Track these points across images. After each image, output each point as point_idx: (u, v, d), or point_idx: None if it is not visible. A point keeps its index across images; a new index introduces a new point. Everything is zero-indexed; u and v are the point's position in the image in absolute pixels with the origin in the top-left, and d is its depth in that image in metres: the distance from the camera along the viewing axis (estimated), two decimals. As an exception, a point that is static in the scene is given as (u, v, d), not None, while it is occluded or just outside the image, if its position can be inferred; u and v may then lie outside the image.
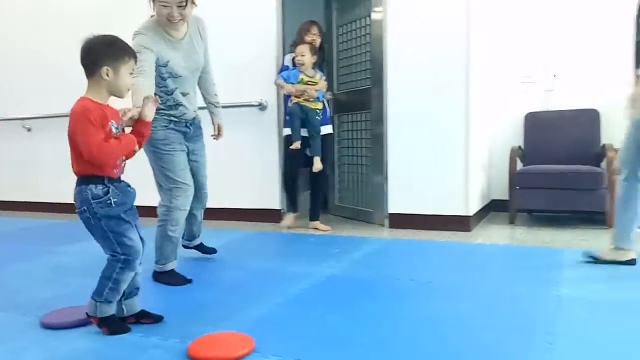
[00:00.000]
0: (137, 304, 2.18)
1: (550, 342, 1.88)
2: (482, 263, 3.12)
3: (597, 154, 4.45)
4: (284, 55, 4.54)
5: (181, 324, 2.15)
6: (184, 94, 2.83)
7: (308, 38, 4.31)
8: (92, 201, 1.99)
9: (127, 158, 2.11)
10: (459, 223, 4.12)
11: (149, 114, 2.14)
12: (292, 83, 4.19)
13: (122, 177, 2.12)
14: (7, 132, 6.19)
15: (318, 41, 4.36)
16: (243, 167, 4.78)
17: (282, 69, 4.35)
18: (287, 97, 4.34)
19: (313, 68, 4.26)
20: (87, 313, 2.08)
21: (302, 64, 4.20)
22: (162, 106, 2.73)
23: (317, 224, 4.44)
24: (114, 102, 2.07)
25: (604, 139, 4.46)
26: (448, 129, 4.09)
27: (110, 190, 2.01)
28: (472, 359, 1.80)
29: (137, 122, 2.13)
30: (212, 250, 3.35)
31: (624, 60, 4.46)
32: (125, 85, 2.04)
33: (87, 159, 1.95)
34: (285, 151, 4.39)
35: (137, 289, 2.17)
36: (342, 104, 4.99)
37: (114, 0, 5.25)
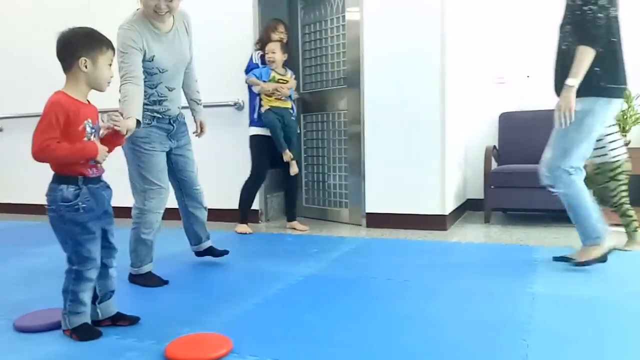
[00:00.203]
0: (112, 306, 2.14)
1: (525, 339, 1.91)
2: (458, 261, 3.15)
3: (570, 153, 4.52)
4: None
5: (158, 326, 2.13)
6: (169, 89, 2.79)
7: (275, 36, 4.29)
8: (60, 203, 1.95)
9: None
10: (435, 222, 4.16)
11: (132, 127, 2.14)
12: (265, 81, 4.18)
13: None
14: (-23, 133, 6.08)
15: (285, 39, 4.35)
16: (220, 167, 4.75)
17: (251, 66, 4.29)
18: (254, 94, 4.30)
19: (283, 66, 4.26)
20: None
21: (273, 62, 4.20)
22: (145, 101, 2.70)
23: (295, 224, 4.44)
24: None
25: (577, 139, 4.53)
26: (424, 130, 4.12)
27: (81, 194, 1.96)
28: (448, 356, 1.81)
29: (113, 132, 2.11)
30: (225, 252, 3.17)
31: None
32: (104, 78, 2.00)
33: (34, 156, 1.89)
34: (253, 152, 4.34)
35: (112, 292, 2.14)
36: (310, 104, 4.97)
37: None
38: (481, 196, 4.63)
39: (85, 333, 2.01)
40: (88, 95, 2.02)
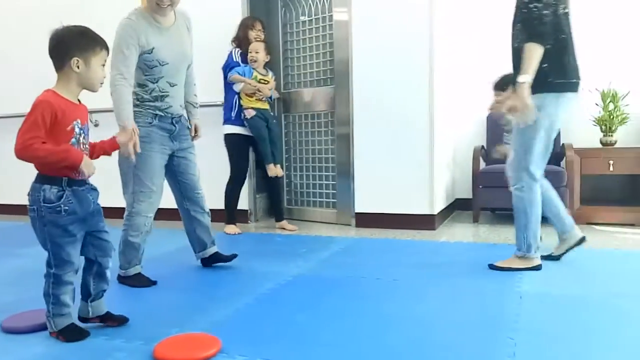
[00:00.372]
0: (103, 305, 2.13)
1: (512, 337, 1.92)
2: (446, 261, 3.17)
3: (557, 153, 4.55)
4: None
5: (146, 326, 2.12)
6: (171, 84, 2.77)
7: (253, 34, 4.27)
8: (42, 204, 1.91)
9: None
10: (424, 222, 4.18)
11: (122, 140, 2.13)
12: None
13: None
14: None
15: (262, 37, 4.33)
16: (208, 168, 4.73)
17: (232, 64, 4.23)
18: (231, 92, 4.24)
19: (264, 67, 4.26)
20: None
21: (255, 62, 4.19)
22: (147, 96, 2.70)
23: (284, 223, 4.44)
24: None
25: (564, 139, 4.57)
26: (413, 130, 4.14)
27: (65, 196, 1.93)
28: (436, 355, 1.82)
29: (108, 141, 2.10)
30: (232, 257, 3.10)
31: (582, 62, 4.59)
32: (97, 78, 1.98)
33: (16, 154, 1.86)
34: (231, 152, 4.30)
35: (104, 291, 2.12)
36: (295, 103, 4.93)
37: None
38: (470, 196, 4.66)
39: (72, 334, 2.00)
40: (79, 95, 2.00)
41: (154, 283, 2.76)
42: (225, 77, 4.26)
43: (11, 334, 2.10)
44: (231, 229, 4.24)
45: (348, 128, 4.43)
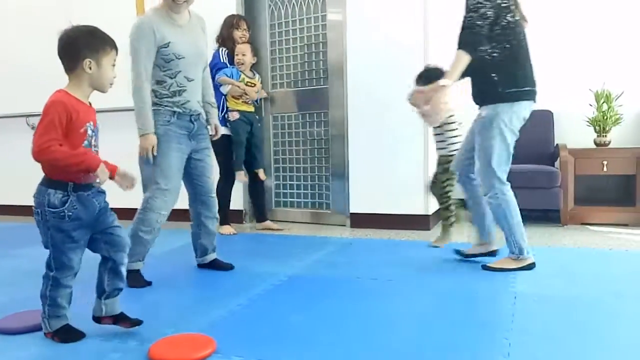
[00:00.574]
0: (117, 305, 2.06)
1: (507, 338, 1.93)
2: (441, 261, 3.17)
3: (551, 153, 4.58)
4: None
5: (141, 327, 2.10)
6: (188, 79, 2.79)
7: (238, 33, 4.24)
8: (46, 208, 1.89)
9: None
10: (419, 222, 4.19)
11: (123, 183, 2.06)
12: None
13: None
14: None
15: (248, 37, 4.30)
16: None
17: (219, 65, 4.18)
18: (219, 94, 4.16)
19: (250, 69, 4.26)
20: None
21: (242, 64, 4.18)
22: (165, 92, 2.72)
23: (268, 223, 4.46)
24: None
25: (558, 139, 4.60)
26: (408, 130, 4.14)
27: (69, 202, 1.90)
28: (431, 355, 1.83)
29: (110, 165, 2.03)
30: (229, 267, 3.07)
31: (576, 63, 4.62)
32: (108, 78, 1.96)
33: (33, 157, 1.83)
34: (220, 153, 4.18)
35: (119, 289, 2.06)
36: (284, 104, 4.89)
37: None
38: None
39: (67, 335, 1.99)
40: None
41: (149, 284, 2.76)
42: (213, 78, 4.24)
43: (6, 335, 2.09)
44: (226, 229, 4.24)
45: (343, 128, 4.44)
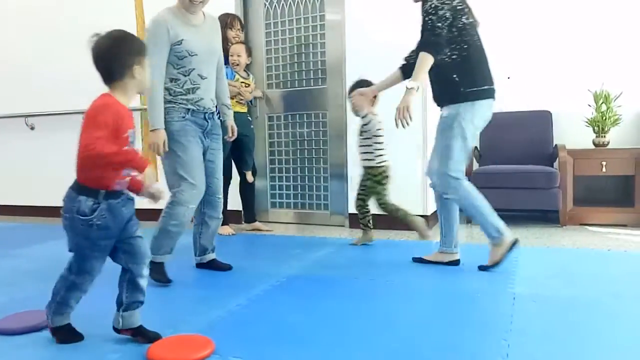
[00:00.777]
0: (136, 318, 1.99)
1: (506, 339, 1.93)
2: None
3: (550, 154, 4.58)
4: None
5: (140, 328, 2.12)
6: (202, 77, 2.81)
7: (232, 33, 4.22)
8: (75, 215, 1.86)
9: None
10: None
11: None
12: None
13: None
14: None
15: (241, 37, 4.29)
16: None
17: None
18: None
19: (244, 70, 4.25)
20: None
21: (237, 65, 4.17)
22: (179, 89, 2.74)
23: (257, 224, 4.47)
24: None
25: (556, 140, 4.60)
26: (406, 131, 4.12)
27: (99, 210, 1.86)
28: (429, 356, 1.83)
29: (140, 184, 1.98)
30: (228, 267, 3.07)
31: (575, 64, 4.62)
32: (148, 80, 1.96)
33: (80, 154, 1.79)
34: None
35: (139, 302, 1.98)
36: (280, 104, 4.87)
37: None
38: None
39: (66, 335, 1.98)
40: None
41: (170, 281, 2.75)
42: None
43: (4, 335, 2.08)
44: (224, 229, 4.24)
45: (341, 129, 4.43)
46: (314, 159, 4.75)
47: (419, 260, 3.13)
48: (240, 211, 4.75)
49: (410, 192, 4.17)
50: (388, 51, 4.14)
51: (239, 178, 4.45)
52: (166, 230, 2.74)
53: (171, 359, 1.81)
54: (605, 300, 2.36)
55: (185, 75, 2.76)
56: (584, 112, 4.46)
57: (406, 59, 3.17)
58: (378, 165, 3.54)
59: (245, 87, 4.22)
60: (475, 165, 4.70)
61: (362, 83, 3.52)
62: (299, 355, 1.84)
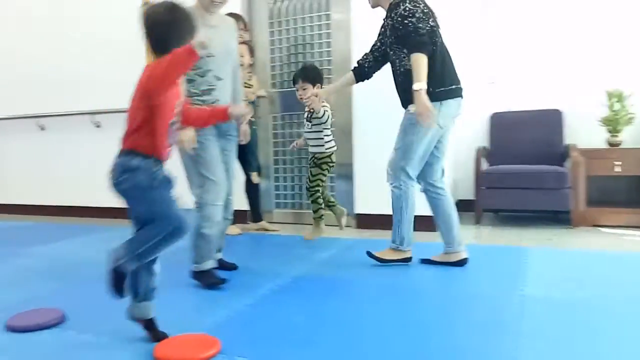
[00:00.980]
0: (150, 309, 1.99)
1: (515, 341, 1.91)
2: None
3: (561, 153, 4.53)
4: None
5: (146, 327, 2.12)
6: (218, 78, 2.81)
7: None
8: (136, 171, 1.81)
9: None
10: (425, 223, 4.13)
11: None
12: None
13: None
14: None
15: (244, 37, 4.28)
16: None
17: None
18: None
19: (248, 70, 4.24)
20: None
21: (241, 65, 4.15)
22: (195, 91, 2.75)
23: (264, 224, 4.46)
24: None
25: (568, 139, 4.55)
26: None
27: (155, 166, 1.85)
28: (437, 358, 1.81)
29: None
30: (234, 267, 3.09)
31: (586, 62, 4.57)
32: None
33: (145, 85, 1.77)
34: None
35: (154, 289, 1.99)
36: (286, 104, 4.84)
37: None
38: (472, 197, 4.63)
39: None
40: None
41: (223, 281, 2.73)
42: None
43: (15, 333, 2.10)
44: (231, 229, 4.23)
45: (348, 129, 4.41)
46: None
47: (427, 262, 3.11)
48: (246, 211, 4.74)
49: (418, 193, 4.11)
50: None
51: (243, 177, 4.43)
52: (201, 235, 2.73)
53: (178, 358, 1.82)
54: (617, 304, 2.32)
55: (201, 77, 2.77)
56: (595, 111, 4.41)
57: (359, 62, 3.26)
58: (326, 150, 3.81)
59: (248, 87, 4.21)
60: (485, 165, 4.66)
61: (308, 69, 3.81)
62: (304, 355, 1.83)
